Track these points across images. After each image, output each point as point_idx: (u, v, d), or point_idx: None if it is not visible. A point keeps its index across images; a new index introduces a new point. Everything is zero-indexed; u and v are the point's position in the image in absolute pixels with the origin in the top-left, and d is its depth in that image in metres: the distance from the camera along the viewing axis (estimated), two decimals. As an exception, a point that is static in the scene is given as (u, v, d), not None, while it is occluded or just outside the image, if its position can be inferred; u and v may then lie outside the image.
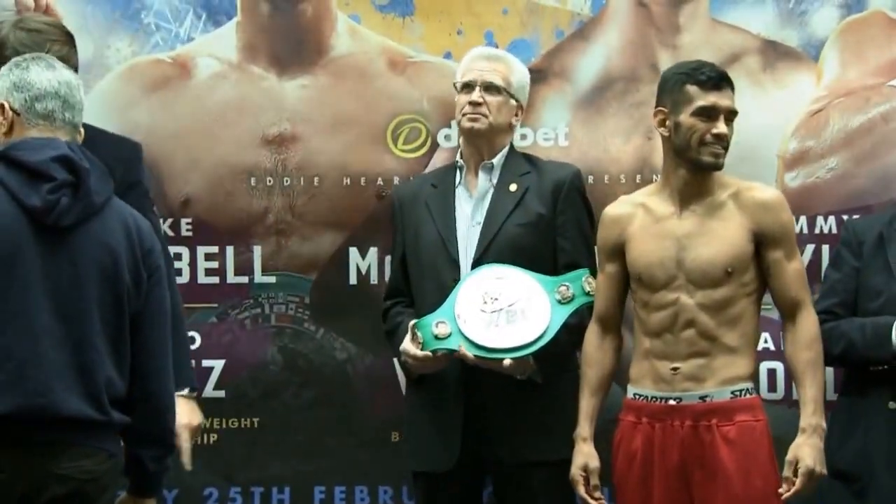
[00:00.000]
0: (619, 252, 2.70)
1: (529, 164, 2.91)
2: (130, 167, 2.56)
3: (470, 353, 2.67)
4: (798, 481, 2.52)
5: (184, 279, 3.16)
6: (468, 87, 2.84)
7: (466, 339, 2.68)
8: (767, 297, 2.75)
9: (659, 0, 3.30)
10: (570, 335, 2.76)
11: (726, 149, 2.59)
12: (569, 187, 2.85)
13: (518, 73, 2.90)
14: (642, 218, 2.68)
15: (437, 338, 2.69)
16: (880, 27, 3.27)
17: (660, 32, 3.29)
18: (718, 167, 2.61)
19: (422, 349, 2.72)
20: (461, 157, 2.92)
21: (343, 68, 3.22)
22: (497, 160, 2.88)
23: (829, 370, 2.90)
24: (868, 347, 2.75)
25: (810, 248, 3.22)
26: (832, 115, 3.27)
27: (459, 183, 2.89)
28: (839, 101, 3.26)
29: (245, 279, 3.23)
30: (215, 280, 3.22)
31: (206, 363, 3.19)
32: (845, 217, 3.17)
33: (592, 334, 2.75)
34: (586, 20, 3.30)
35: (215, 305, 3.22)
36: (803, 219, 3.23)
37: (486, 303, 2.69)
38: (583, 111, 3.28)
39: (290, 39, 3.29)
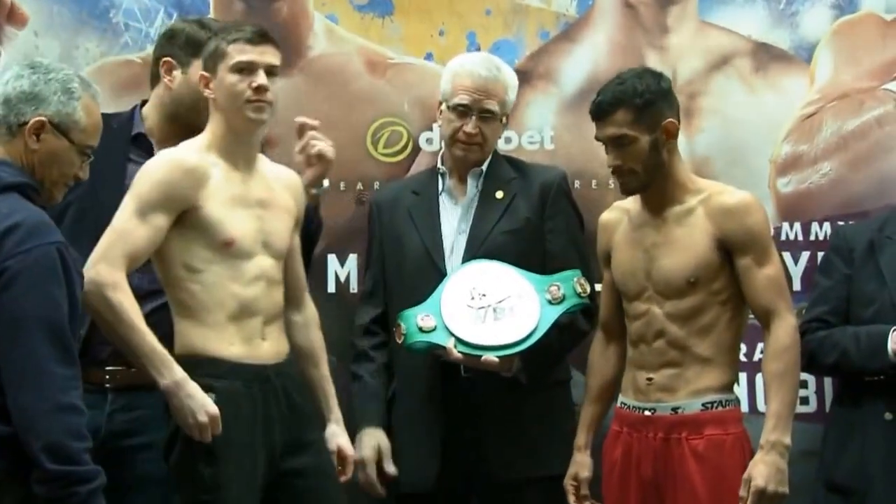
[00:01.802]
0: (609, 259, 2.70)
1: (514, 168, 2.87)
2: None
3: (455, 350, 2.61)
4: (749, 501, 2.44)
5: None
6: (462, 111, 2.76)
7: (451, 334, 2.62)
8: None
9: (646, 1, 3.28)
10: (560, 335, 2.70)
11: (634, 171, 2.53)
12: (556, 191, 2.82)
13: (511, 89, 2.84)
14: (625, 225, 2.66)
15: (421, 330, 2.63)
16: (873, 29, 3.26)
17: (647, 34, 3.27)
18: (631, 193, 2.60)
19: (405, 341, 2.66)
20: (443, 163, 2.87)
21: (320, 70, 3.18)
22: (484, 166, 2.84)
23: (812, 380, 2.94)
24: (863, 357, 2.71)
25: (805, 255, 3.18)
26: (825, 119, 3.24)
27: (443, 190, 2.85)
28: (832, 105, 3.24)
29: None
30: None
31: None
32: (840, 223, 3.13)
33: (597, 342, 2.74)
34: (572, 21, 3.28)
35: None
36: (797, 225, 3.20)
37: (473, 298, 2.65)
38: (569, 114, 3.24)
39: None
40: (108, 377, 2.57)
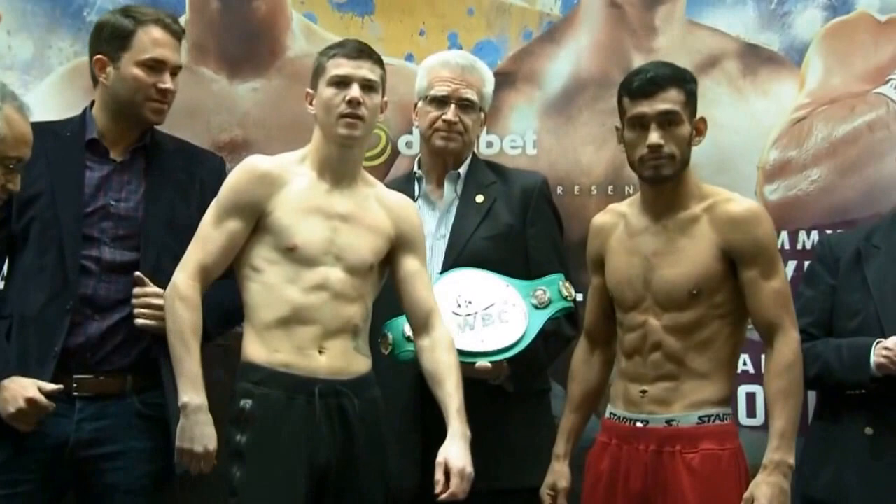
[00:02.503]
0: (601, 264, 2.64)
1: (494, 172, 2.84)
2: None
3: None
4: None
5: None
6: (440, 101, 2.76)
7: None
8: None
9: (633, 1, 3.24)
10: (546, 343, 2.68)
11: (673, 157, 2.46)
12: (538, 196, 2.79)
13: (488, 83, 2.84)
14: (621, 230, 2.60)
15: (409, 339, 2.61)
16: (867, 30, 3.21)
17: (634, 35, 3.22)
18: (659, 179, 2.49)
19: (391, 352, 2.64)
20: (419, 167, 2.85)
21: (298, 70, 3.09)
22: (462, 169, 2.81)
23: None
24: (845, 370, 2.67)
25: (792, 264, 3.12)
26: (815, 124, 3.19)
27: (419, 195, 2.82)
28: (823, 109, 3.19)
29: None
30: None
31: None
32: (829, 232, 3.09)
33: (580, 349, 2.70)
34: (556, 21, 3.24)
35: None
36: (784, 234, 3.15)
37: (459, 306, 2.64)
38: (552, 118, 3.20)
39: (242, 39, 3.22)
40: (76, 385, 2.55)
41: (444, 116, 2.74)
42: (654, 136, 2.45)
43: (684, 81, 2.50)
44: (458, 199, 2.79)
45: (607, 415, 2.59)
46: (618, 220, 2.62)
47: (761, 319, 2.50)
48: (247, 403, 2.38)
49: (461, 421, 2.42)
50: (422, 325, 2.54)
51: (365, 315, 2.51)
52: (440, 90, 2.76)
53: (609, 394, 2.65)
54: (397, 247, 2.54)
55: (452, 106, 2.74)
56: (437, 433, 2.57)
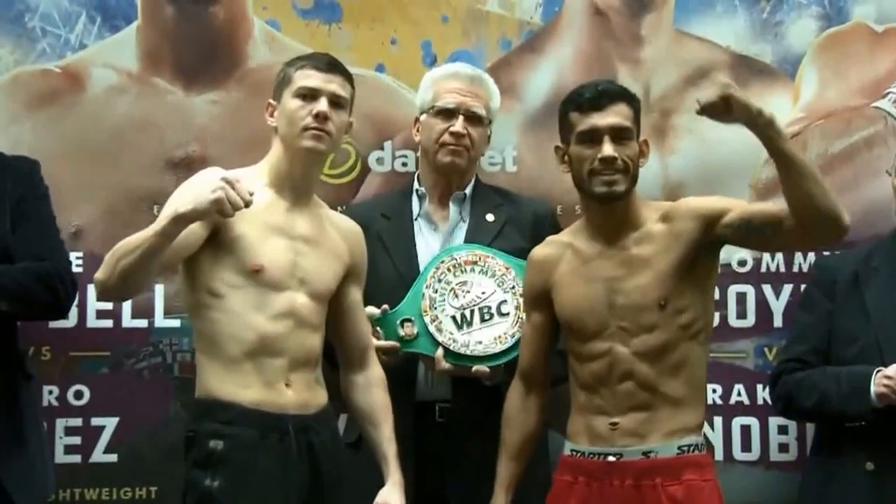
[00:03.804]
0: (545, 299, 2.56)
1: (500, 195, 2.86)
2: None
3: (443, 363, 2.62)
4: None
5: (71, 322, 2.93)
6: (447, 113, 2.76)
7: (437, 342, 2.62)
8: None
9: (618, 9, 3.19)
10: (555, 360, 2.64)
11: (626, 171, 2.43)
12: (552, 223, 2.80)
13: (495, 98, 2.85)
14: (570, 259, 2.54)
15: (402, 339, 2.64)
16: (863, 41, 3.18)
17: (619, 44, 3.17)
18: (611, 196, 2.44)
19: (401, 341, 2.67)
20: (420, 184, 2.82)
21: (260, 81, 2.96)
22: (468, 190, 2.81)
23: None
24: (844, 401, 2.64)
25: (788, 288, 3.09)
26: (810, 140, 3.14)
27: (419, 214, 2.80)
28: (818, 124, 3.16)
29: (144, 323, 3.01)
30: (108, 324, 2.99)
31: (95, 421, 2.95)
32: (826, 254, 3.04)
33: (515, 393, 2.63)
34: (536, 30, 3.18)
35: (108, 353, 3.00)
36: (779, 256, 3.11)
37: (456, 296, 2.65)
38: (533, 133, 3.13)
39: (199, 48, 3.11)
40: None
41: (451, 129, 2.73)
42: (608, 149, 2.42)
43: (632, 99, 2.50)
44: (462, 222, 2.78)
45: (567, 452, 2.51)
46: (562, 251, 2.56)
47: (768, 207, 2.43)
48: (217, 445, 2.29)
49: (397, 468, 2.46)
50: (357, 361, 2.54)
51: (321, 345, 2.46)
52: (448, 101, 2.75)
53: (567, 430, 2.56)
54: (347, 275, 2.50)
55: (460, 118, 2.74)
56: (431, 466, 2.64)
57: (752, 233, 2.39)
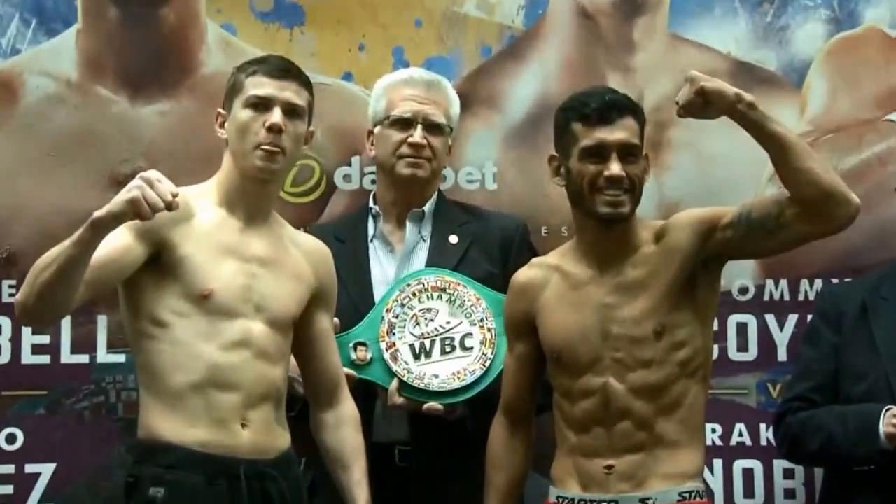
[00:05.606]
0: (528, 328, 2.47)
1: (467, 212, 2.78)
2: None
3: (396, 396, 2.55)
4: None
5: (4, 359, 2.88)
6: (404, 123, 2.68)
7: (392, 374, 2.55)
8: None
9: (608, 11, 3.11)
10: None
11: (633, 192, 2.37)
12: (520, 241, 2.73)
13: (455, 104, 2.78)
14: (557, 284, 2.45)
15: (354, 364, 2.55)
16: (876, 47, 3.10)
17: (609, 50, 3.10)
18: (614, 218, 2.37)
19: None
20: (375, 203, 2.75)
21: (213, 91, 2.76)
22: (427, 207, 2.73)
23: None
24: (851, 442, 2.59)
25: (793, 318, 3.00)
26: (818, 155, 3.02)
27: (374, 236, 2.73)
28: (827, 138, 3.07)
29: (85, 358, 2.94)
30: (45, 359, 2.92)
31: (30, 468, 2.88)
32: (835, 281, 2.98)
33: (499, 429, 2.55)
34: (519, 34, 3.11)
35: (44, 393, 2.93)
36: (784, 283, 3.02)
37: (418, 323, 2.58)
38: (515, 147, 3.06)
39: (147, 54, 3.05)
40: None
41: (410, 139, 2.66)
42: (616, 167, 2.33)
43: (639, 112, 2.43)
44: (423, 242, 2.70)
45: (553, 499, 2.42)
46: (548, 275, 2.47)
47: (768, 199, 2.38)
48: (157, 493, 2.17)
49: None
50: (327, 398, 2.45)
51: (285, 379, 2.35)
52: (404, 110, 2.68)
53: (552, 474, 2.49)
54: (313, 300, 2.40)
55: (419, 127, 2.66)
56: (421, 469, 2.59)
57: (755, 228, 2.30)
